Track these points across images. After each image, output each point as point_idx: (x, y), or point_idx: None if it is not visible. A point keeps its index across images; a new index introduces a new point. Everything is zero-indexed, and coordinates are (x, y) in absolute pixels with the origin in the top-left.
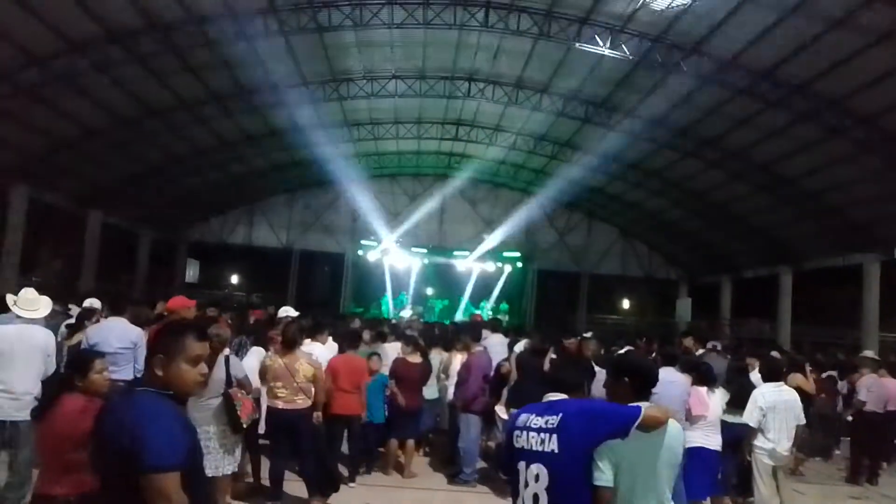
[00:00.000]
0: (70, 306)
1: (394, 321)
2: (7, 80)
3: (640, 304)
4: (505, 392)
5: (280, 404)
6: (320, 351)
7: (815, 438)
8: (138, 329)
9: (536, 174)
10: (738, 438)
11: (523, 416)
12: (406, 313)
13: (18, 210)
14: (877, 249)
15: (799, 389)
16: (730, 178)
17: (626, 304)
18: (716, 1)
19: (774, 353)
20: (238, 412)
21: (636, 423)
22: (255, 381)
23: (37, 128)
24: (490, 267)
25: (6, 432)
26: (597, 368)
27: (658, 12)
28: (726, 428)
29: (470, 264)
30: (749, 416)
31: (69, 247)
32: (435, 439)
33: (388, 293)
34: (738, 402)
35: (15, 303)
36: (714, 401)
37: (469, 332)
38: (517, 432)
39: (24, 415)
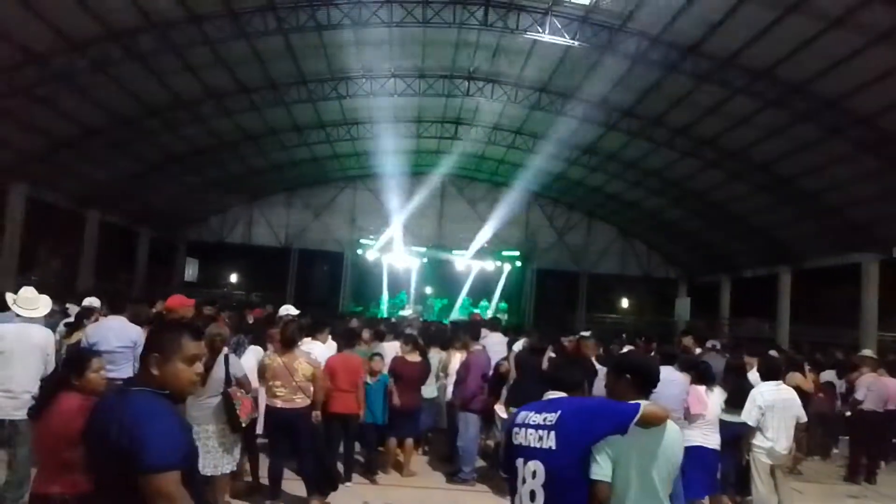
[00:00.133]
0: (68, 305)
1: (393, 320)
2: (6, 78)
3: (639, 303)
4: (504, 391)
5: (279, 403)
6: (320, 350)
7: (813, 437)
8: (137, 328)
9: (536, 174)
10: (736, 437)
11: (522, 414)
12: (406, 312)
13: (17, 209)
14: (875, 249)
15: (797, 388)
16: (729, 178)
17: (625, 303)
18: (715, 0)
19: (773, 353)
20: (237, 411)
21: (635, 420)
22: (254, 379)
23: (36, 127)
24: (489, 265)
25: (5, 431)
26: (598, 367)
27: (656, 11)
28: (725, 427)
29: (469, 262)
30: (748, 415)
31: (68, 246)
32: (434, 438)
33: (385, 292)
34: (735, 401)
35: (14, 302)
36: (713, 400)
37: (468, 331)
38: (516, 429)
39: (23, 413)
